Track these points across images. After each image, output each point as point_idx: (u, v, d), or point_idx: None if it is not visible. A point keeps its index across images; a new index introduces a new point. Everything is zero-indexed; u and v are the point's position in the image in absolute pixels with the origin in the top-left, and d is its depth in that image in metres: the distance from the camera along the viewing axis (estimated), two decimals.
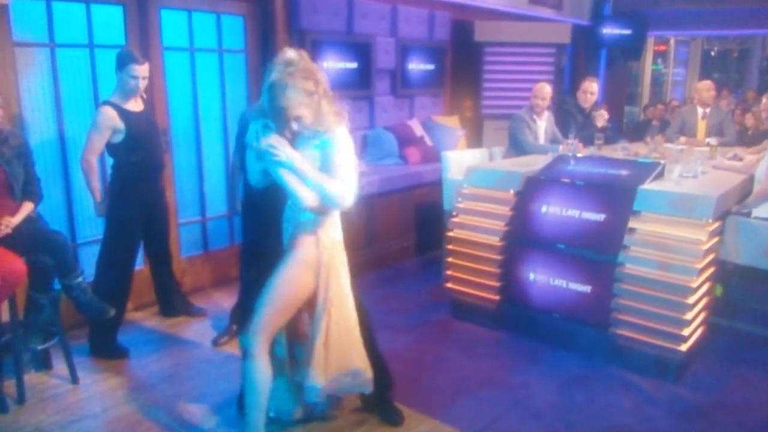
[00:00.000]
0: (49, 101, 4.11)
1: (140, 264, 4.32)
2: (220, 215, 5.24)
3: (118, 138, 3.80)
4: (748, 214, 3.95)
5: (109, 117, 3.74)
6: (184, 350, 4.06)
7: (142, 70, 3.78)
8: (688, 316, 3.60)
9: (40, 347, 3.59)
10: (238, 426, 3.14)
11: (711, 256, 3.80)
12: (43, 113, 4.11)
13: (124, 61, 3.74)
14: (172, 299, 4.48)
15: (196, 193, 5.08)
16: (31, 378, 3.57)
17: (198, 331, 4.33)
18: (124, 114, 3.78)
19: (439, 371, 3.79)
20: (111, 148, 3.85)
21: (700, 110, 6.52)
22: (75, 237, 4.31)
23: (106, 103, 3.81)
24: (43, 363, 3.69)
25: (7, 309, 3.34)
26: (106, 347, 3.91)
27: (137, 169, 3.90)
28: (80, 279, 3.51)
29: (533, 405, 3.44)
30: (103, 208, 3.92)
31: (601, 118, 5.86)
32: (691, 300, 3.59)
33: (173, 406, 3.38)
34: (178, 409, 3.34)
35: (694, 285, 3.58)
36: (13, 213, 3.39)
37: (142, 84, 3.82)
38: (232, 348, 4.07)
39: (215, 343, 4.12)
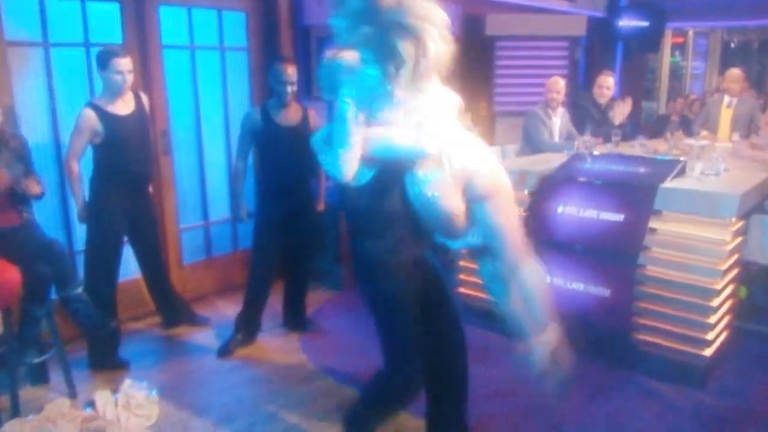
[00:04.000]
0: (43, 102, 4.10)
1: (139, 273, 4.31)
2: (223, 220, 5.21)
3: (98, 140, 3.78)
4: None
5: (88, 118, 3.72)
6: (188, 361, 4.04)
7: (125, 63, 3.75)
8: (712, 319, 3.55)
9: (36, 360, 3.56)
10: None
11: (735, 257, 3.74)
12: (37, 114, 4.09)
13: (105, 59, 3.72)
14: (172, 308, 4.45)
15: (198, 197, 5.06)
16: (27, 392, 3.55)
17: (202, 340, 4.31)
18: (104, 116, 3.75)
19: None
20: (92, 149, 3.84)
21: (726, 98, 6.42)
22: (72, 244, 4.29)
23: (89, 104, 3.79)
24: (40, 377, 3.67)
25: (1, 321, 3.31)
26: (106, 359, 3.89)
27: (117, 173, 3.87)
28: (79, 290, 3.49)
29: (551, 415, 3.38)
30: (86, 214, 3.89)
31: (626, 106, 5.80)
32: (715, 303, 3.54)
33: (177, 419, 3.34)
34: (182, 422, 3.31)
35: (718, 287, 3.54)
36: (15, 221, 3.38)
37: (129, 78, 3.79)
38: (238, 358, 4.04)
39: (220, 352, 4.09)
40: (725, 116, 6.38)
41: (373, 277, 2.49)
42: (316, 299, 4.84)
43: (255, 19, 5.13)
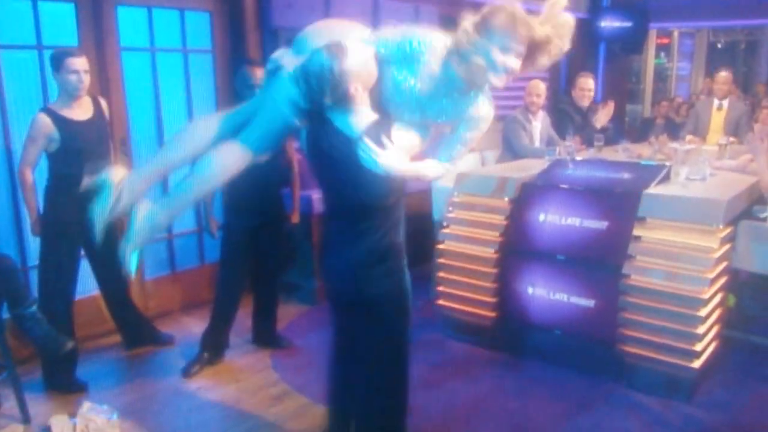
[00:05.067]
0: None
1: (97, 289, 4.28)
2: (188, 231, 5.19)
3: (53, 147, 3.76)
4: (764, 219, 3.96)
5: (43, 125, 3.70)
6: (151, 382, 4.01)
7: (80, 62, 3.73)
8: (700, 329, 3.59)
9: None
10: None
11: (723, 265, 3.80)
12: None
13: (59, 59, 3.70)
14: (134, 326, 4.41)
15: None
16: None
17: (165, 360, 4.28)
18: (61, 122, 3.73)
19: (430, 397, 3.75)
20: (47, 158, 3.81)
21: (716, 102, 6.56)
22: (25, 259, 4.25)
23: (43, 109, 3.77)
24: None
25: None
26: (63, 381, 3.85)
27: (73, 183, 3.85)
28: (33, 308, 3.45)
29: (534, 429, 3.41)
30: (40, 227, 3.86)
31: (607, 111, 5.88)
32: (702, 312, 3.58)
33: None
34: None
35: (706, 296, 3.58)
36: None
37: (86, 78, 3.77)
38: (204, 378, 4.02)
39: (185, 373, 4.06)
40: (717, 119, 6.51)
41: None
42: (287, 314, 4.84)
43: (220, 20, 5.14)
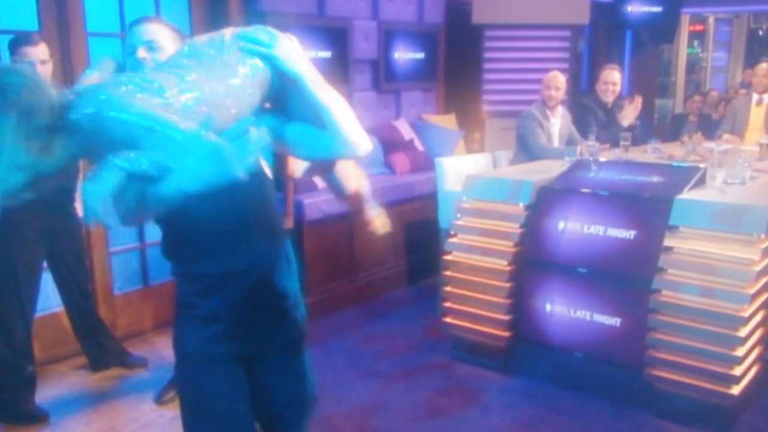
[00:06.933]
0: None
1: (60, 305, 4.27)
2: None
3: None
4: None
5: None
6: (120, 410, 4.00)
7: (36, 51, 3.71)
8: (740, 352, 3.58)
9: None
10: None
11: (765, 279, 3.79)
12: None
13: (14, 47, 3.69)
14: (101, 347, 4.40)
15: None
16: None
17: (137, 386, 4.26)
18: None
19: (437, 427, 3.75)
20: None
21: (755, 96, 6.57)
22: None
23: None
24: None
25: None
26: (20, 411, 3.83)
27: None
28: None
29: None
30: None
31: (635, 107, 5.88)
32: (742, 333, 3.57)
33: None
34: None
35: (746, 314, 3.57)
36: None
37: (42, 69, 3.76)
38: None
39: (159, 400, 4.05)
40: (756, 116, 6.51)
41: None
42: None
43: (199, 3, 5.13)
